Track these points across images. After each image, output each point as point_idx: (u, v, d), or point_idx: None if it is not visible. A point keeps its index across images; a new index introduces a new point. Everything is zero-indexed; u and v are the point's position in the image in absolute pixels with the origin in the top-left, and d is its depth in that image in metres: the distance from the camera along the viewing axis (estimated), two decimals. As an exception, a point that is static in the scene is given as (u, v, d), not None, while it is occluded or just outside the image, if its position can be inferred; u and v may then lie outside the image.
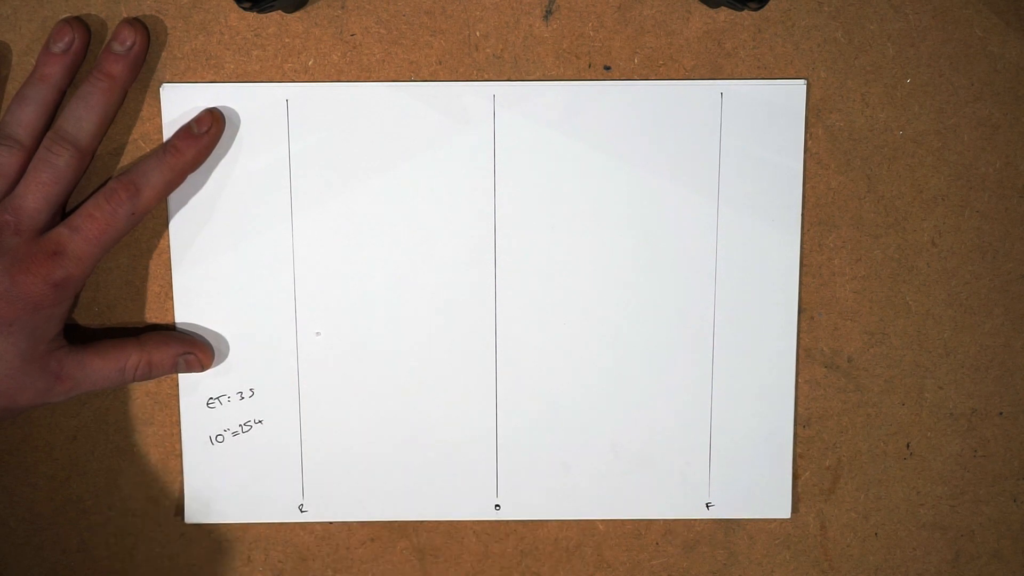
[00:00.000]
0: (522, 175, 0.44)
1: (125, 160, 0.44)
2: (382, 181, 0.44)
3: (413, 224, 0.44)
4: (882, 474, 0.46)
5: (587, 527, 0.46)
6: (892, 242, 0.45)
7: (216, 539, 0.46)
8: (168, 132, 0.43)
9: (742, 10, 0.42)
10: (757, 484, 0.46)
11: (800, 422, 0.46)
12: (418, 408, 0.45)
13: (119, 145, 0.43)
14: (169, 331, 0.44)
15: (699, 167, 0.44)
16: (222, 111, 0.43)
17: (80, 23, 0.42)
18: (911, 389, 0.46)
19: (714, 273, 0.45)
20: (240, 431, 0.45)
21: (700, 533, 0.47)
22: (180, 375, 0.45)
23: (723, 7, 0.43)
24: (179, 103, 0.43)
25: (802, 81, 0.44)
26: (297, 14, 0.43)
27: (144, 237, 0.44)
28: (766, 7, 0.42)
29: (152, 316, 0.45)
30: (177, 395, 0.45)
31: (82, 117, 0.41)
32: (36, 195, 0.40)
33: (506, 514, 0.46)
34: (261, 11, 0.41)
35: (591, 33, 0.43)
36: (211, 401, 0.45)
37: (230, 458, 0.45)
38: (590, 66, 0.44)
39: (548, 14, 0.43)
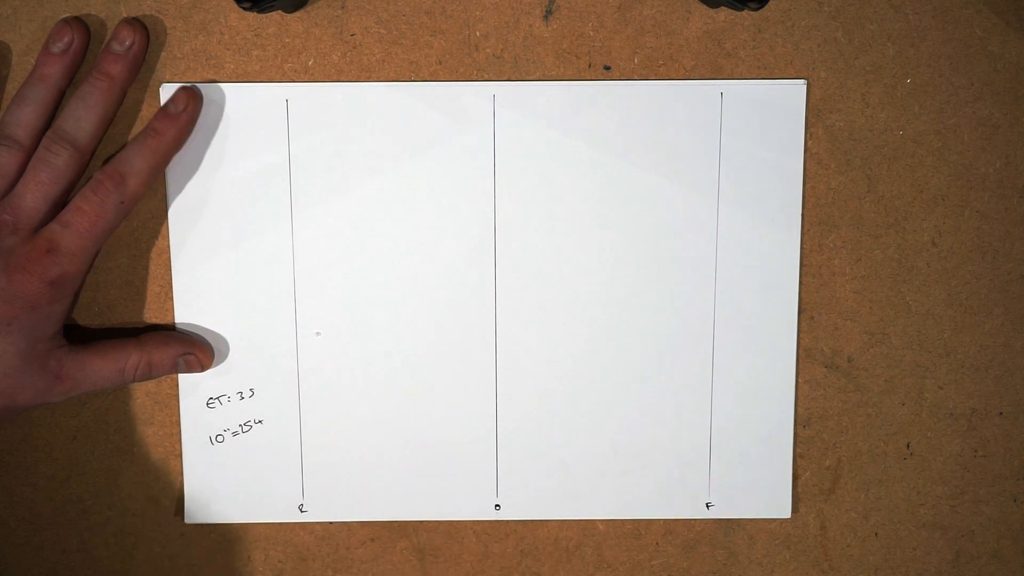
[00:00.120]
0: (522, 175, 0.44)
1: (125, 160, 0.44)
2: (382, 181, 0.44)
3: (413, 224, 0.44)
4: (882, 474, 0.46)
5: (587, 527, 0.46)
6: (892, 242, 0.45)
7: (216, 539, 0.46)
8: (168, 132, 0.43)
9: (742, 10, 0.42)
10: (757, 484, 0.46)
11: (800, 422, 0.46)
12: (418, 408, 0.45)
13: (119, 145, 0.43)
14: (169, 331, 0.44)
15: (699, 167, 0.44)
16: (203, 94, 0.43)
17: (80, 23, 0.42)
18: (911, 389, 0.46)
19: (714, 273, 0.45)
20: (240, 431, 0.45)
21: (700, 533, 0.47)
22: (180, 375, 0.45)
23: (723, 7, 0.43)
24: (179, 103, 0.43)
25: (802, 81, 0.44)
26: (297, 14, 0.43)
27: (144, 237, 0.44)
28: (766, 7, 0.42)
29: (152, 316, 0.45)
30: (177, 395, 0.45)
31: (81, 117, 0.41)
32: (35, 195, 0.40)
33: (506, 514, 0.46)
34: (261, 11, 0.41)
35: (591, 33, 0.43)
36: (211, 401, 0.45)
37: (230, 458, 0.45)
38: (590, 66, 0.44)
39: (548, 14, 0.43)
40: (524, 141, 0.44)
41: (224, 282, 0.44)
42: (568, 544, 0.47)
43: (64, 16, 0.43)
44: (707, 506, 0.46)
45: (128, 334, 0.44)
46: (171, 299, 0.44)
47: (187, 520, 0.46)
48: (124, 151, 0.42)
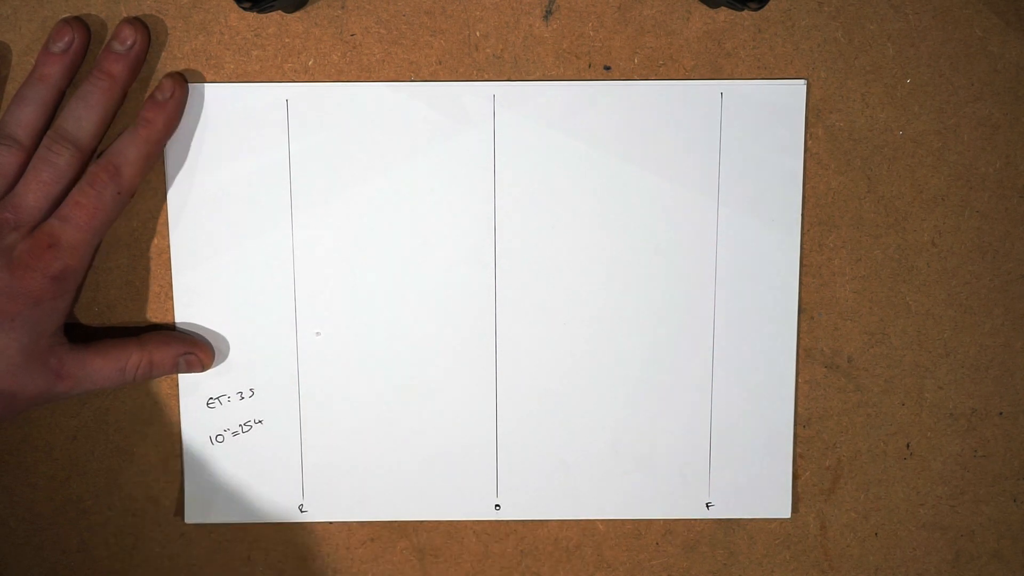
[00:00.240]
0: (522, 175, 0.44)
1: (125, 160, 0.44)
2: (382, 181, 0.44)
3: (413, 224, 0.44)
4: (882, 474, 0.46)
5: (587, 527, 0.46)
6: (892, 242, 0.45)
7: (216, 539, 0.46)
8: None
9: (742, 10, 0.42)
10: (757, 484, 0.46)
11: (800, 422, 0.46)
12: (418, 408, 0.45)
13: (119, 145, 0.44)
14: (170, 331, 0.44)
15: (699, 167, 0.44)
16: (203, 94, 0.43)
17: (80, 23, 0.42)
18: (911, 389, 0.46)
19: (714, 273, 0.45)
20: (240, 431, 0.45)
21: (700, 533, 0.47)
22: (180, 375, 0.45)
23: (723, 7, 0.43)
24: (179, 103, 0.43)
25: (802, 81, 0.44)
26: (297, 14, 0.43)
27: (144, 237, 0.44)
28: (766, 7, 0.42)
29: (152, 316, 0.45)
30: (177, 395, 0.45)
31: (82, 117, 0.41)
32: (37, 194, 0.41)
33: (506, 514, 0.46)
34: (261, 11, 0.41)
35: (591, 33, 0.43)
36: (211, 401, 0.45)
37: (230, 458, 0.45)
38: (590, 66, 0.44)
39: (548, 14, 0.43)
40: (524, 141, 0.44)
41: (224, 282, 0.44)
42: (568, 544, 0.47)
43: (64, 16, 0.43)
44: (707, 506, 0.46)
45: (129, 334, 0.44)
46: (171, 299, 0.44)
47: (187, 520, 0.46)
48: (117, 142, 0.42)
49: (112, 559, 0.46)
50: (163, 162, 0.44)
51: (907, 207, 0.45)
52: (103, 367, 0.42)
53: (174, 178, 0.44)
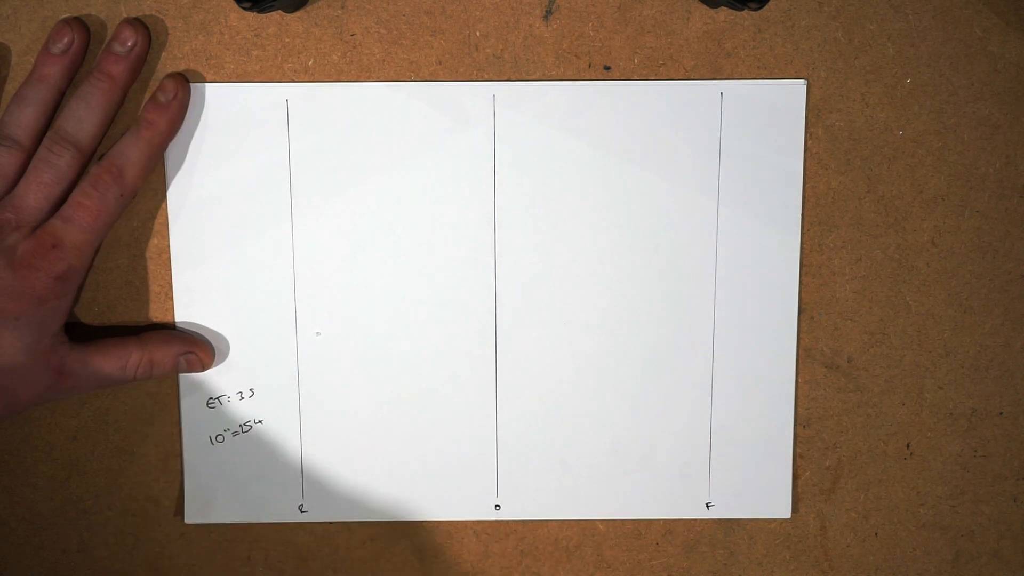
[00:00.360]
0: (522, 175, 0.44)
1: (125, 160, 0.44)
2: (382, 181, 0.44)
3: (413, 224, 0.44)
4: (882, 474, 0.46)
5: (587, 527, 0.46)
6: (892, 242, 0.45)
7: (216, 539, 0.46)
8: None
9: (742, 10, 0.42)
10: (757, 484, 0.46)
11: (800, 422, 0.46)
12: (418, 408, 0.45)
13: (119, 145, 0.44)
14: (170, 330, 0.44)
15: (699, 167, 0.44)
16: (204, 94, 0.43)
17: (79, 24, 0.42)
18: (911, 389, 0.46)
19: (714, 273, 0.45)
20: (240, 431, 0.45)
21: (700, 533, 0.47)
22: (180, 375, 0.45)
23: (723, 7, 0.43)
24: (179, 103, 0.43)
25: (802, 81, 0.44)
26: (297, 14, 0.43)
27: (144, 237, 0.44)
28: (766, 7, 0.42)
29: (152, 316, 0.45)
30: (177, 395, 0.45)
31: (83, 118, 0.41)
32: (38, 195, 0.41)
33: (506, 514, 0.46)
34: (261, 11, 0.41)
35: (591, 33, 0.43)
36: (211, 401, 0.45)
37: (230, 458, 0.45)
38: (590, 66, 0.44)
39: (548, 14, 0.43)
40: (524, 141, 0.44)
41: (224, 282, 0.44)
42: (568, 544, 0.47)
43: (64, 16, 0.43)
44: (707, 506, 0.46)
45: (129, 333, 0.44)
46: (171, 299, 0.44)
47: (187, 520, 0.46)
48: (119, 144, 0.42)
49: (112, 559, 0.46)
50: (163, 162, 0.44)
51: (907, 207, 0.45)
52: (104, 366, 0.42)
53: (174, 178, 0.44)
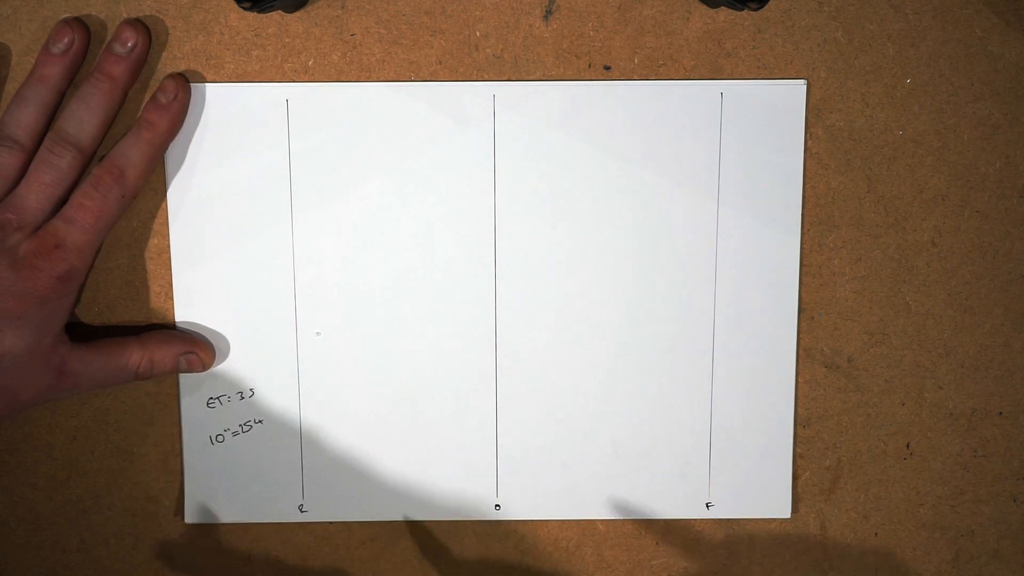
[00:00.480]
0: (522, 175, 0.44)
1: (125, 160, 0.44)
2: (382, 181, 0.44)
3: (413, 224, 0.44)
4: (882, 474, 0.46)
5: (587, 527, 0.46)
6: (892, 242, 0.45)
7: (216, 539, 0.46)
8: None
9: (742, 10, 0.42)
10: (757, 484, 0.46)
11: (800, 422, 0.46)
12: (418, 408, 0.45)
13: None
14: (170, 330, 0.44)
15: (699, 167, 0.44)
16: (204, 94, 0.43)
17: (80, 24, 0.42)
18: (911, 389, 0.46)
19: (714, 273, 0.45)
20: (240, 431, 0.45)
21: (700, 533, 0.47)
22: (180, 375, 0.45)
23: (723, 7, 0.43)
24: (179, 103, 0.43)
25: (802, 81, 0.44)
26: (297, 14, 0.43)
27: (144, 237, 0.44)
28: (766, 7, 0.42)
29: (152, 316, 0.45)
30: (177, 395, 0.45)
31: (83, 119, 0.41)
32: (39, 196, 0.41)
33: (506, 514, 0.46)
34: (261, 11, 0.41)
35: (591, 33, 0.43)
36: (211, 401, 0.45)
37: (230, 458, 0.45)
38: (590, 66, 0.44)
39: (548, 14, 0.43)
40: (524, 141, 0.44)
41: (224, 282, 0.44)
42: (568, 544, 0.47)
43: (64, 16, 0.43)
44: (707, 506, 0.46)
45: (129, 333, 0.44)
46: (171, 299, 0.44)
47: (187, 520, 0.46)
48: (120, 145, 0.42)
49: (112, 559, 0.46)
50: (163, 162, 0.44)
51: (907, 207, 0.45)
52: (104, 366, 0.42)
53: (174, 178, 0.44)
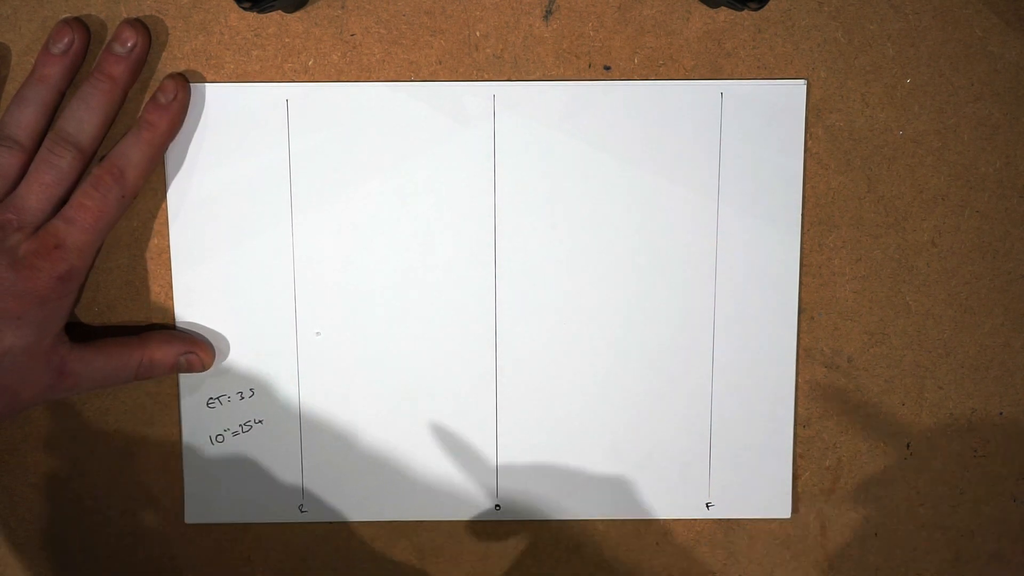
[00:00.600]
0: (522, 175, 0.44)
1: (125, 160, 0.44)
2: (382, 181, 0.44)
3: (413, 224, 0.44)
4: (882, 474, 0.46)
5: (587, 527, 0.46)
6: (892, 242, 0.45)
7: (216, 539, 0.46)
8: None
9: (742, 10, 0.42)
10: (757, 484, 0.46)
11: (800, 422, 0.46)
12: (418, 408, 0.45)
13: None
14: (171, 330, 0.44)
15: (699, 167, 0.44)
16: (204, 94, 0.43)
17: (80, 24, 0.42)
18: (911, 389, 0.46)
19: (714, 273, 0.45)
20: (240, 431, 0.45)
21: (700, 533, 0.47)
22: (180, 375, 0.45)
23: (723, 7, 0.43)
24: (179, 103, 0.43)
25: (802, 81, 0.44)
26: (297, 14, 0.43)
27: (144, 237, 0.44)
28: (766, 7, 0.42)
29: (152, 316, 0.45)
30: (177, 395, 0.45)
31: (83, 119, 0.41)
32: (39, 196, 0.41)
33: (506, 514, 0.46)
34: (261, 11, 0.41)
35: (591, 33, 0.43)
36: (211, 401, 0.45)
37: (230, 458, 0.45)
38: (590, 66, 0.44)
39: (548, 14, 0.43)
40: (524, 141, 0.44)
41: (224, 282, 0.44)
42: (568, 544, 0.47)
43: (64, 16, 0.43)
44: (707, 506, 0.46)
45: (129, 333, 0.44)
46: (171, 299, 0.44)
47: (187, 520, 0.46)
48: (120, 145, 0.42)
49: (112, 559, 0.46)
50: (163, 162, 0.44)
51: (907, 207, 0.45)
52: (104, 365, 0.42)
53: (174, 178, 0.44)
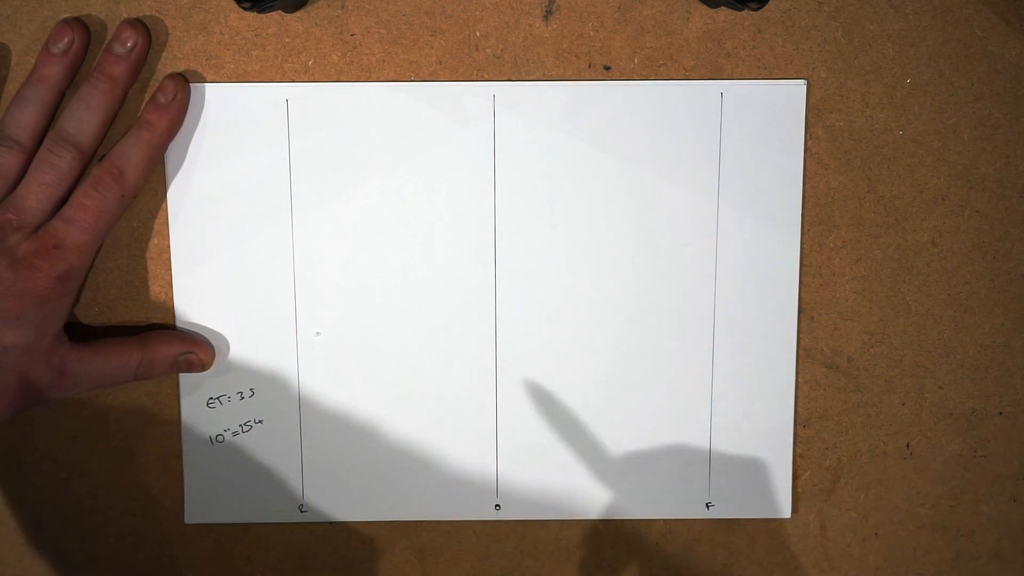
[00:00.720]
0: (522, 175, 0.44)
1: (125, 160, 0.44)
2: (382, 181, 0.44)
3: (413, 224, 0.44)
4: (882, 474, 0.46)
5: (587, 527, 0.46)
6: (892, 242, 0.45)
7: (216, 539, 0.46)
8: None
9: (742, 10, 0.42)
10: (757, 484, 0.46)
11: (800, 422, 0.46)
12: (418, 408, 0.45)
13: (119, 145, 0.44)
14: (170, 330, 0.44)
15: (699, 167, 0.44)
16: (204, 94, 0.43)
17: (80, 24, 0.42)
18: (911, 389, 0.46)
19: (714, 273, 0.45)
20: (240, 431, 0.45)
21: (700, 533, 0.47)
22: (180, 375, 0.45)
23: (723, 7, 0.43)
24: (179, 103, 0.43)
25: (802, 81, 0.44)
26: (297, 14, 0.43)
27: (144, 237, 0.44)
28: (766, 7, 0.42)
29: (152, 316, 0.45)
30: (177, 395, 0.45)
31: (83, 119, 0.41)
32: (39, 196, 0.41)
33: (506, 514, 0.46)
34: (261, 11, 0.41)
35: (591, 33, 0.43)
36: (211, 401, 0.45)
37: (230, 458, 0.45)
38: (590, 66, 0.44)
39: (548, 14, 0.43)
40: (524, 141, 0.44)
41: (224, 282, 0.44)
42: (568, 544, 0.47)
43: (64, 16, 0.43)
44: (707, 506, 0.46)
45: (129, 333, 0.44)
46: (171, 299, 0.44)
47: (187, 520, 0.46)
48: (119, 145, 0.42)
49: (112, 559, 0.46)
50: (163, 162, 0.44)
51: (907, 207, 0.45)
52: (104, 366, 0.42)
53: (174, 178, 0.44)
